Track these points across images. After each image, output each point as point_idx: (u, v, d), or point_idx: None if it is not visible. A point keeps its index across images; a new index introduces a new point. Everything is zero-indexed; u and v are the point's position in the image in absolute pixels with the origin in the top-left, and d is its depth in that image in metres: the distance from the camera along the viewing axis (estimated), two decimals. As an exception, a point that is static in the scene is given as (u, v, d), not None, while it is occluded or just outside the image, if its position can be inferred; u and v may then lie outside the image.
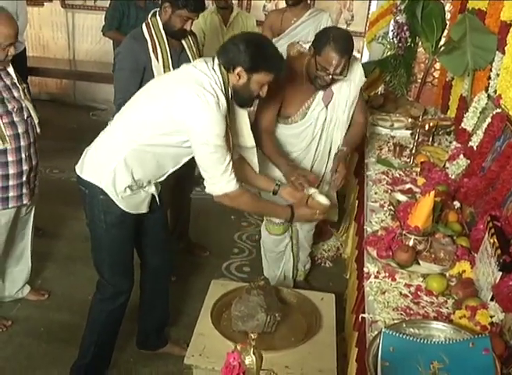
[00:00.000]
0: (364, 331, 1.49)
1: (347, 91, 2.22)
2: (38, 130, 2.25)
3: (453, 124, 2.89)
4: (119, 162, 1.77)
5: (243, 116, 1.92)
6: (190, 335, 1.86)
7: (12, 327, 2.41)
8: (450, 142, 2.69)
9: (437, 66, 3.91)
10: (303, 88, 2.20)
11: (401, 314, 1.51)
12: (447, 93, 3.21)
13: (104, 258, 1.95)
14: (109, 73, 2.71)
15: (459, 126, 2.54)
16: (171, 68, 2.28)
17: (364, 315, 1.54)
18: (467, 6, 2.96)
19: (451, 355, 1.29)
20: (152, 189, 1.90)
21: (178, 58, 2.30)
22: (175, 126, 1.72)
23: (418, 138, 2.67)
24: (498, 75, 2.26)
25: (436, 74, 4.06)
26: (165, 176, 1.91)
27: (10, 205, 2.22)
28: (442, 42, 3.19)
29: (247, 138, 1.96)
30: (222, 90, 1.72)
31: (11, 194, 2.19)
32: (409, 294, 1.61)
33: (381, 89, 3.70)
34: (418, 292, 1.62)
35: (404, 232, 1.76)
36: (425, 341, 1.34)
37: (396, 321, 1.46)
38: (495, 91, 2.27)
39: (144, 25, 2.31)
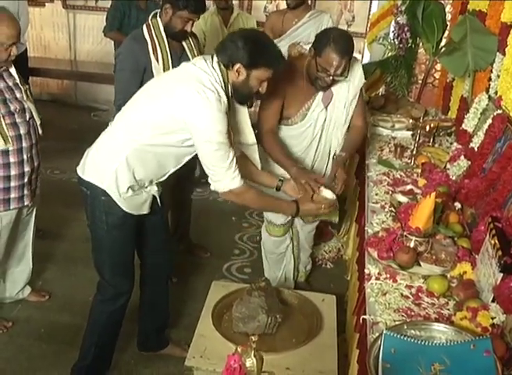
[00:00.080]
0: (365, 333, 1.49)
1: (346, 91, 2.23)
2: (40, 132, 2.26)
3: (453, 125, 2.89)
4: (121, 163, 1.77)
5: (244, 113, 1.92)
6: (190, 336, 1.86)
7: (12, 328, 2.41)
8: (451, 143, 2.68)
9: (438, 67, 3.91)
10: (303, 89, 2.20)
11: (402, 315, 1.51)
12: (448, 94, 3.21)
13: (104, 260, 1.96)
14: (110, 74, 2.71)
15: (460, 128, 2.54)
16: (171, 69, 2.28)
17: (365, 316, 1.53)
18: (467, 7, 2.95)
19: (452, 357, 1.28)
20: (154, 189, 1.91)
21: (178, 60, 2.31)
22: (176, 125, 1.72)
23: (419, 139, 2.67)
24: (498, 76, 2.26)
25: (437, 75, 4.06)
26: (166, 176, 1.91)
27: (12, 207, 2.22)
28: (442, 43, 3.19)
29: (248, 135, 1.96)
30: (222, 87, 1.73)
31: (12, 195, 2.20)
32: (410, 296, 1.61)
33: (382, 90, 3.70)
34: (419, 293, 1.62)
35: (405, 233, 1.76)
36: (426, 343, 1.33)
37: (397, 322, 1.45)
38: (495, 92, 2.27)
39: (144, 26, 2.32)
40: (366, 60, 4.37)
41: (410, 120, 3.00)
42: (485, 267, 1.57)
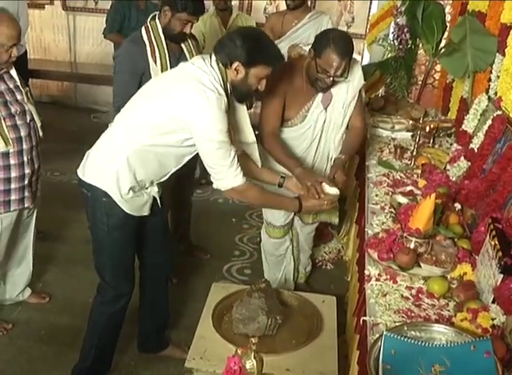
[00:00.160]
0: (365, 334, 1.49)
1: (345, 92, 2.23)
2: (41, 134, 2.26)
3: (453, 126, 2.89)
4: (122, 164, 1.78)
5: (243, 112, 1.93)
6: (190, 337, 1.86)
7: (12, 330, 2.41)
8: (451, 144, 2.68)
9: (437, 67, 3.91)
10: (303, 91, 2.20)
11: (402, 317, 1.50)
12: (448, 95, 3.21)
13: (105, 261, 1.96)
14: (110, 76, 2.71)
15: (459, 128, 2.54)
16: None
17: (365, 317, 1.53)
18: (467, 8, 2.96)
19: (452, 358, 1.28)
20: (154, 191, 1.91)
21: (177, 62, 2.30)
22: (176, 125, 1.73)
23: (419, 140, 2.67)
24: (498, 77, 2.26)
25: (437, 76, 4.06)
26: (167, 176, 1.91)
27: (12, 208, 2.22)
28: (442, 44, 3.19)
29: (248, 134, 1.96)
30: (221, 85, 1.73)
31: (13, 197, 2.20)
32: (410, 297, 1.60)
33: (381, 91, 3.70)
34: (419, 295, 1.61)
35: (405, 234, 1.76)
36: (427, 344, 1.33)
37: (397, 324, 1.45)
38: (495, 93, 2.27)
39: (143, 28, 2.32)
40: (366, 61, 4.36)
41: (410, 121, 3.01)
42: (486, 268, 1.57)
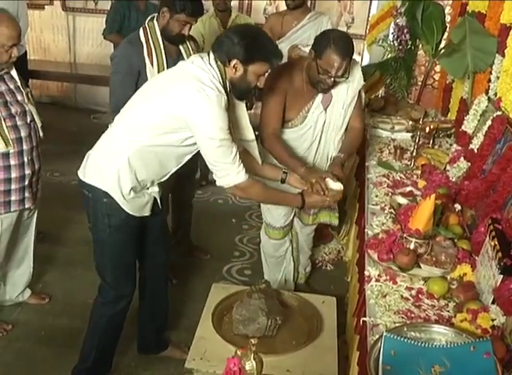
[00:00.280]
0: (365, 335, 1.49)
1: (345, 93, 2.23)
2: (41, 134, 2.26)
3: (453, 127, 2.89)
4: (123, 164, 1.78)
5: (242, 110, 1.93)
6: (190, 338, 1.86)
7: (12, 331, 2.41)
8: (451, 145, 2.69)
9: (437, 68, 3.91)
10: (303, 92, 2.20)
11: (402, 317, 1.50)
12: (448, 95, 3.21)
13: (106, 262, 1.96)
14: (110, 76, 2.72)
15: (459, 129, 2.54)
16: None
17: (365, 318, 1.53)
18: (467, 9, 2.96)
19: (452, 359, 1.28)
20: (155, 191, 1.91)
21: (174, 64, 2.28)
22: (177, 124, 1.73)
23: (419, 141, 2.67)
24: (498, 78, 2.26)
25: (437, 77, 4.07)
26: (167, 176, 1.91)
27: (12, 209, 2.22)
28: (442, 45, 3.19)
29: (247, 132, 1.96)
30: (220, 83, 1.73)
31: (13, 197, 2.19)
32: (410, 298, 1.60)
33: (381, 92, 3.70)
34: (419, 295, 1.61)
35: (405, 235, 1.76)
36: (426, 345, 1.33)
37: (397, 324, 1.45)
38: (495, 94, 2.27)
39: (141, 29, 2.31)
40: (365, 62, 4.37)
41: (410, 122, 3.01)
42: (485, 269, 1.57)
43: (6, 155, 2.12)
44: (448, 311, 1.55)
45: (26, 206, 2.27)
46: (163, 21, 2.28)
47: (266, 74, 1.81)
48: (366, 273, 1.73)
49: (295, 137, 2.29)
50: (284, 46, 3.23)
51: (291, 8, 3.40)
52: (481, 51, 2.46)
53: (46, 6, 5.35)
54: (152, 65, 2.27)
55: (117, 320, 2.05)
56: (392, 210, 2.09)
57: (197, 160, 1.87)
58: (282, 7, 3.93)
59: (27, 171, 2.20)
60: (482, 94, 2.40)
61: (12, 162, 2.15)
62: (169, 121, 1.74)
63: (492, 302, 1.47)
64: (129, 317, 2.10)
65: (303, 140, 2.30)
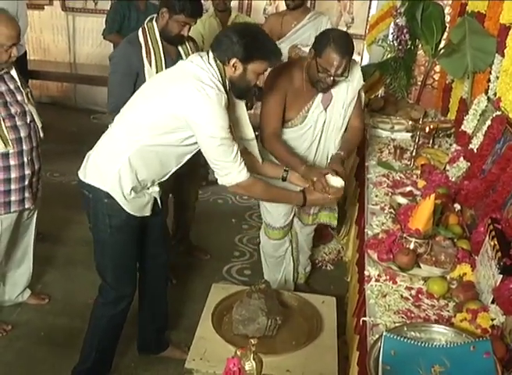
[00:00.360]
0: (365, 334, 1.49)
1: (345, 93, 2.23)
2: (41, 135, 2.26)
3: (453, 127, 2.89)
4: (124, 164, 1.78)
5: (242, 108, 1.93)
6: (190, 338, 1.86)
7: (12, 332, 2.40)
8: (451, 144, 2.69)
9: (437, 68, 3.91)
10: (303, 91, 2.20)
11: (402, 317, 1.50)
12: (447, 95, 3.22)
13: (107, 263, 1.96)
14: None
15: (459, 129, 2.54)
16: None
17: (365, 318, 1.53)
18: (466, 9, 2.96)
19: (452, 359, 1.28)
20: (155, 190, 1.91)
21: (173, 64, 2.30)
22: (177, 123, 1.73)
23: (419, 141, 2.67)
24: (497, 77, 2.26)
25: (436, 77, 4.07)
26: (168, 176, 1.92)
27: (12, 210, 2.22)
28: (441, 45, 3.19)
29: (247, 130, 1.97)
30: (220, 82, 1.73)
31: (13, 198, 2.19)
32: (410, 298, 1.60)
33: (381, 92, 3.70)
34: (419, 295, 1.62)
35: (405, 235, 1.76)
36: (426, 345, 1.33)
37: (397, 324, 1.45)
38: (494, 94, 2.27)
39: (140, 30, 2.32)
40: (365, 62, 4.37)
41: (410, 122, 3.01)
42: (485, 269, 1.57)
43: (6, 156, 2.12)
44: (448, 311, 1.55)
45: (26, 206, 2.26)
46: (162, 22, 2.28)
47: (266, 73, 1.81)
48: (366, 272, 1.73)
49: (295, 137, 2.29)
50: (284, 46, 3.24)
51: (291, 8, 3.40)
52: (481, 51, 2.46)
53: (46, 6, 5.35)
54: (151, 65, 2.26)
55: (117, 321, 2.05)
56: (391, 210, 2.09)
57: (199, 162, 1.87)
58: (282, 7, 3.93)
59: (27, 171, 2.20)
60: (482, 94, 2.40)
61: (12, 162, 2.14)
62: (170, 120, 1.74)
63: (492, 302, 1.47)
64: (129, 317, 2.10)
65: (303, 140, 2.30)
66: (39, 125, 2.23)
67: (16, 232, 2.37)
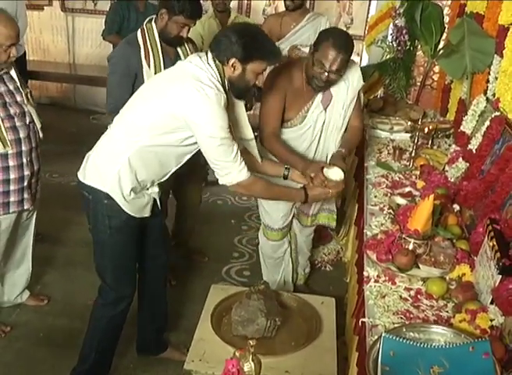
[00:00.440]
0: (364, 335, 1.49)
1: (345, 93, 2.23)
2: (41, 135, 2.25)
3: (452, 127, 2.89)
4: (123, 165, 1.78)
5: (241, 108, 1.93)
6: (189, 339, 1.85)
7: (11, 333, 2.40)
8: (450, 145, 2.69)
9: (436, 69, 3.91)
10: (303, 91, 2.20)
11: (401, 318, 1.51)
12: (446, 96, 3.22)
13: (107, 264, 1.95)
14: (108, 77, 2.73)
15: (458, 129, 2.54)
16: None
17: (364, 319, 1.53)
18: (465, 10, 2.96)
19: (451, 359, 1.28)
20: (155, 191, 1.91)
21: (172, 66, 2.30)
22: (177, 124, 1.73)
23: (418, 141, 2.67)
24: (496, 78, 2.26)
25: (435, 77, 4.07)
26: (167, 176, 1.92)
27: (11, 210, 2.22)
28: (440, 46, 3.20)
29: (246, 131, 1.97)
30: (219, 82, 1.73)
31: (12, 199, 2.19)
32: (409, 298, 1.61)
33: (380, 92, 3.70)
34: (418, 296, 1.62)
35: (404, 235, 1.76)
36: (425, 345, 1.34)
37: (396, 325, 1.45)
38: (493, 94, 2.27)
39: (139, 31, 2.31)
40: (364, 63, 4.37)
41: (409, 122, 3.01)
42: (484, 269, 1.57)
43: (5, 156, 2.12)
44: (447, 311, 1.55)
45: (25, 207, 2.26)
46: (161, 23, 2.28)
47: (265, 73, 1.81)
48: (365, 273, 1.73)
49: (294, 137, 2.29)
50: (283, 47, 3.24)
51: (291, 9, 3.39)
52: (480, 51, 2.46)
53: (45, 7, 5.35)
54: (149, 67, 2.26)
55: (117, 322, 2.05)
56: (391, 211, 2.09)
57: (198, 160, 1.86)
58: (281, 8, 3.93)
59: (26, 172, 2.20)
60: (481, 94, 2.40)
61: (11, 163, 2.14)
62: (169, 121, 1.74)
63: (491, 302, 1.47)
64: (128, 318, 2.10)
65: (302, 140, 2.30)
66: (38, 126, 2.23)
67: (15, 233, 2.37)
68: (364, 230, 2.01)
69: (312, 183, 2.00)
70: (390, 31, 3.53)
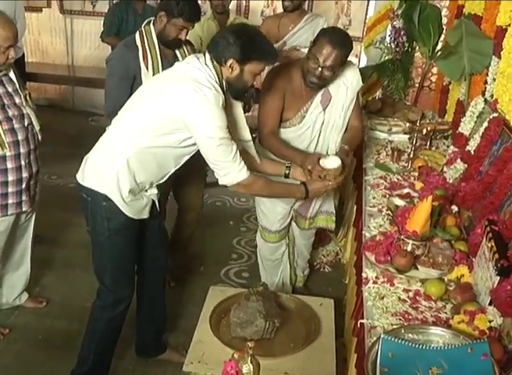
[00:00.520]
0: (362, 337, 1.49)
1: (344, 94, 2.23)
2: (39, 138, 2.25)
3: (450, 128, 2.90)
4: (122, 166, 1.78)
5: (239, 109, 1.94)
6: (188, 341, 1.85)
7: (9, 335, 2.40)
8: (448, 146, 2.69)
9: (434, 70, 3.92)
10: (302, 92, 2.20)
11: (400, 319, 1.51)
12: (444, 97, 3.22)
13: (105, 266, 1.95)
14: (107, 79, 2.73)
15: (456, 131, 2.54)
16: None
17: (362, 320, 1.53)
18: (463, 11, 2.97)
19: (450, 361, 1.28)
20: (154, 192, 1.91)
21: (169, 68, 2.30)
22: (175, 125, 1.73)
23: (416, 143, 2.67)
24: (494, 79, 2.27)
25: (433, 79, 4.08)
26: (166, 177, 1.92)
27: (9, 212, 2.22)
28: (438, 47, 3.21)
29: (244, 132, 1.97)
30: (217, 83, 1.74)
31: (10, 201, 2.19)
32: (407, 299, 1.61)
33: (379, 94, 3.71)
34: (417, 297, 1.62)
35: (402, 237, 1.76)
36: (424, 347, 1.34)
37: (394, 326, 1.46)
38: (491, 96, 2.28)
39: (137, 33, 2.31)
40: (363, 64, 4.38)
41: (407, 124, 3.01)
42: (482, 270, 1.57)
43: (3, 158, 2.12)
44: (445, 312, 1.55)
45: (24, 209, 2.26)
46: (160, 25, 2.28)
47: (263, 73, 1.82)
48: (363, 275, 1.73)
49: (293, 137, 2.29)
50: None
51: (289, 9, 3.39)
52: (478, 53, 2.46)
53: (44, 9, 5.35)
54: (147, 69, 2.26)
55: (116, 324, 2.05)
56: (389, 212, 2.09)
57: (197, 161, 1.86)
58: (279, 9, 3.93)
59: (25, 174, 2.19)
60: (479, 95, 2.40)
61: (9, 165, 2.14)
62: (167, 122, 1.74)
63: (490, 304, 1.47)
64: (127, 320, 2.10)
65: (301, 140, 2.30)
66: (37, 128, 2.23)
67: (13, 235, 2.36)
68: (363, 232, 2.01)
69: (310, 177, 2.00)
70: (388, 32, 3.54)
